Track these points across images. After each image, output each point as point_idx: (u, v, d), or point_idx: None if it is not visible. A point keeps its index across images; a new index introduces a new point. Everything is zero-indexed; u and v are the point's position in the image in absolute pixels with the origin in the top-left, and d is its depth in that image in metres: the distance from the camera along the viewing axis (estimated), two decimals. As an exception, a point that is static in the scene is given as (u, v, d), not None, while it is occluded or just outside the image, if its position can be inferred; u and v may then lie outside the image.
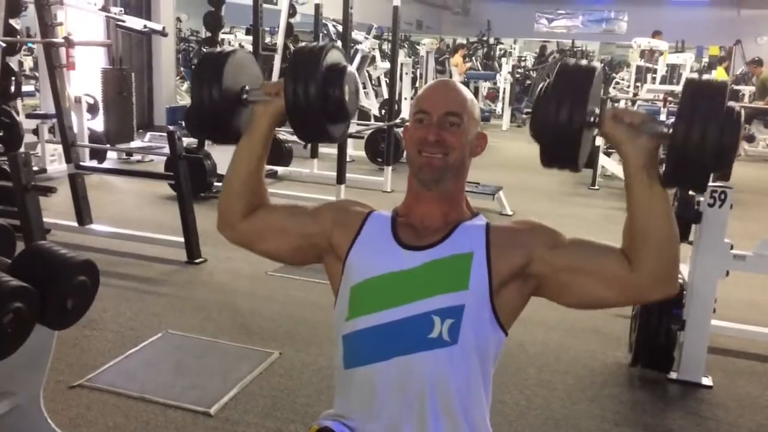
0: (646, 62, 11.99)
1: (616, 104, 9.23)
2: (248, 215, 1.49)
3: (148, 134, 9.67)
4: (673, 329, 3.22)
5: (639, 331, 3.27)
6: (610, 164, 8.33)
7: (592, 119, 1.27)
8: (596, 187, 8.16)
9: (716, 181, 3.24)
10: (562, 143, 1.27)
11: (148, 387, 3.07)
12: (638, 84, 11.24)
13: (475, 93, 13.17)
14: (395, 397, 1.33)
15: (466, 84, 13.63)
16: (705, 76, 1.30)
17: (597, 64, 1.33)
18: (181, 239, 4.76)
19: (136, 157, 8.33)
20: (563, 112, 1.23)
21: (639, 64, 12.03)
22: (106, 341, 3.54)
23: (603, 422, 2.99)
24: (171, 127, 6.61)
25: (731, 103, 1.22)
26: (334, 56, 1.45)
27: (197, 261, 4.73)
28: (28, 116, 7.20)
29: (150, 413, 2.88)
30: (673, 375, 3.33)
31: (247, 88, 1.47)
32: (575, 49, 20.32)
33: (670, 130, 1.21)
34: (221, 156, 7.77)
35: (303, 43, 1.66)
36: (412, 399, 1.32)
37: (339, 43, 5.86)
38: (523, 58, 18.40)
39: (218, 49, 1.50)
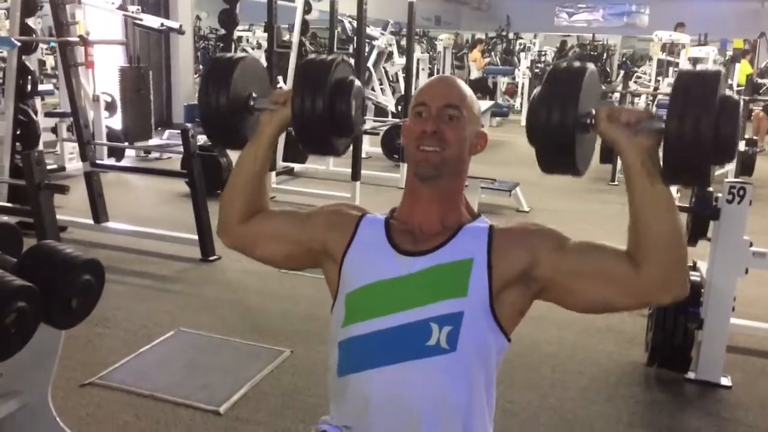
0: (667, 56, 11.81)
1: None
2: (246, 221, 1.47)
3: (167, 132, 9.71)
4: (690, 328, 3.15)
5: (655, 330, 3.20)
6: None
7: (588, 121, 1.23)
8: (615, 183, 8.05)
9: (738, 177, 3.16)
10: (557, 147, 1.23)
11: (159, 385, 3.07)
12: (659, 78, 11.07)
13: (494, 88, 13.09)
14: (389, 408, 1.27)
15: (485, 79, 13.58)
16: (699, 67, 1.24)
17: (590, 64, 1.28)
18: (196, 237, 4.77)
19: (155, 154, 8.37)
20: (554, 115, 1.20)
21: (660, 58, 11.85)
22: (119, 339, 3.55)
23: (618, 423, 2.94)
24: (187, 125, 6.62)
25: (727, 92, 1.16)
26: (343, 70, 1.46)
27: (211, 258, 4.74)
28: (47, 114, 7.27)
29: (160, 412, 2.87)
30: (690, 375, 3.26)
31: (254, 95, 1.48)
32: (596, 43, 20.12)
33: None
34: (237, 154, 7.78)
35: (312, 55, 1.65)
36: (406, 410, 1.27)
37: (352, 47, 5.84)
38: (543, 53, 18.26)
39: (228, 54, 1.51)
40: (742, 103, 1.18)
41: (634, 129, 1.20)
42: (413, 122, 1.37)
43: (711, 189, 3.19)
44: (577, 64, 1.27)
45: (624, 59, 21.17)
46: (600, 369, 3.43)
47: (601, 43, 20.65)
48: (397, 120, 7.97)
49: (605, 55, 20.67)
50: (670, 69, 11.95)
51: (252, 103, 1.47)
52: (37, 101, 7.42)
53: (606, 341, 3.76)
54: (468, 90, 1.40)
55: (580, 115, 1.21)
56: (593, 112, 1.24)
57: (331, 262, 1.41)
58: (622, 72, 16.38)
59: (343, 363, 1.35)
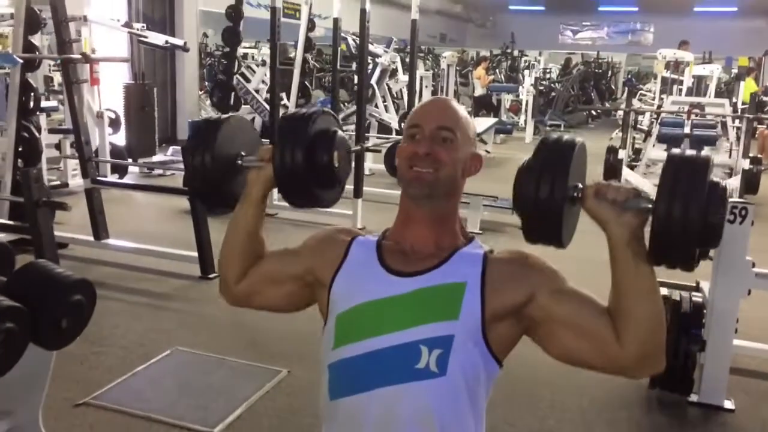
0: (671, 73, 11.81)
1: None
2: (244, 276, 1.46)
3: (171, 148, 9.73)
4: (692, 350, 3.10)
5: (657, 351, 3.15)
6: (635, 178, 8.18)
7: (575, 194, 1.22)
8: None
9: (742, 195, 3.13)
10: (545, 219, 1.22)
11: (153, 405, 3.04)
12: (663, 96, 11.06)
13: (498, 105, 13.09)
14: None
15: (489, 96, 13.59)
16: (688, 152, 1.22)
17: (579, 138, 1.28)
18: (196, 254, 4.75)
19: (158, 171, 8.38)
20: (545, 187, 1.19)
21: (665, 76, 11.85)
22: (115, 358, 3.53)
23: (618, 447, 2.89)
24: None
25: (715, 179, 1.17)
26: (324, 122, 1.46)
27: (210, 276, 4.71)
28: (51, 131, 7.28)
29: (153, 433, 2.84)
30: (693, 398, 3.21)
31: (243, 154, 1.48)
32: (600, 61, 20.15)
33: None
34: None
35: (291, 110, 1.68)
36: None
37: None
38: (548, 70, 18.27)
39: (214, 117, 1.55)
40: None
41: (621, 207, 1.19)
42: (407, 144, 1.35)
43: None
44: (567, 136, 1.27)
45: (629, 77, 21.21)
46: (601, 391, 3.37)
47: (605, 60, 20.69)
48: (399, 137, 7.97)
49: (610, 72, 20.73)
50: (674, 86, 11.96)
51: (240, 161, 1.47)
52: (43, 117, 7.46)
53: (608, 362, 3.71)
54: (462, 112, 1.39)
55: (569, 189, 1.21)
56: (580, 186, 1.23)
57: (321, 289, 1.39)
58: (626, 89, 16.42)
59: (333, 386, 1.33)
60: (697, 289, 3.43)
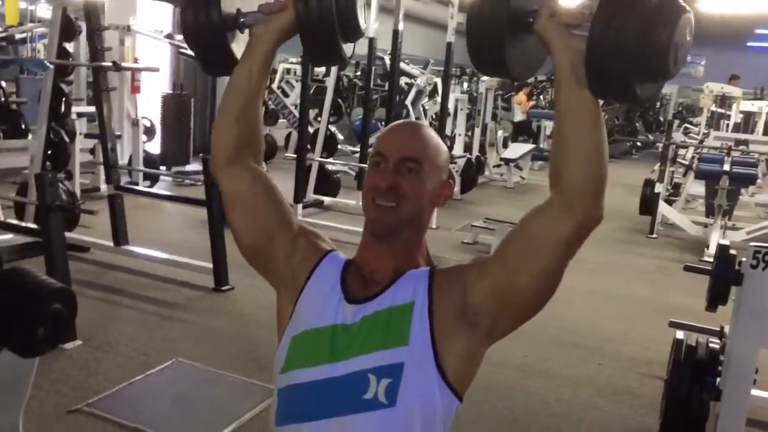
0: (719, 108, 11.51)
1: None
2: (235, 160, 1.35)
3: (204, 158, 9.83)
4: (705, 399, 2.93)
5: (668, 398, 3.00)
6: (672, 213, 7.95)
7: (531, 20, 1.15)
8: (654, 236, 7.79)
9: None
10: (485, 40, 1.15)
11: (145, 417, 3.00)
12: (707, 131, 10.77)
13: (537, 131, 12.93)
14: None
15: (529, 122, 13.43)
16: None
17: None
18: (211, 265, 4.73)
19: (190, 180, 8.45)
20: (487, 4, 1.14)
21: (713, 110, 11.56)
22: (116, 365, 3.51)
23: (619, 497, 2.74)
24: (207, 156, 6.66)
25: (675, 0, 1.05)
26: None
27: (224, 288, 4.69)
28: (87, 136, 7.42)
29: (140, 446, 2.80)
30: (705, 449, 3.03)
31: (243, 11, 1.35)
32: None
33: None
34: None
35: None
36: None
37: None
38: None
39: None
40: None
41: (571, 30, 1.13)
42: (370, 172, 1.29)
43: (734, 252, 3.01)
44: None
45: (680, 109, 20.79)
46: (608, 435, 3.23)
47: (654, 91, 20.27)
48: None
49: (659, 104, 20.33)
50: (722, 121, 11.65)
51: (242, 19, 1.34)
52: (83, 122, 7.62)
53: (621, 404, 3.55)
54: (433, 139, 1.31)
55: (520, 12, 1.14)
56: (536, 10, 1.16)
57: (290, 291, 1.32)
58: (676, 122, 16.07)
59: (279, 412, 1.27)
60: (722, 334, 3.27)
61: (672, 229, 7.97)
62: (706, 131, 10.73)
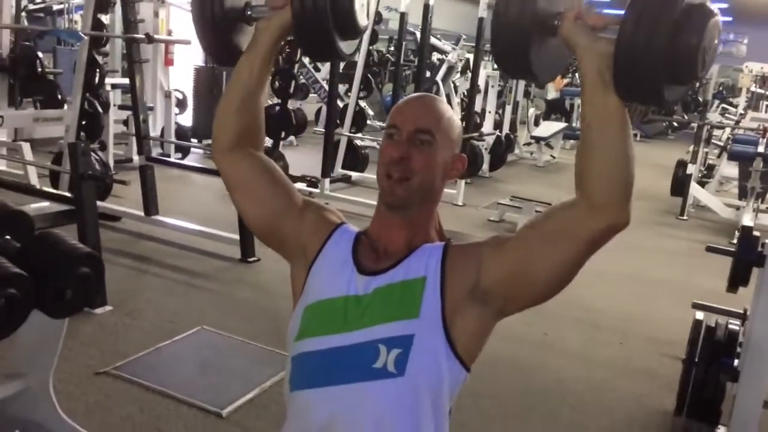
0: (759, 88, 11.24)
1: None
2: (234, 148, 1.38)
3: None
4: (722, 379, 2.93)
5: (684, 378, 3.01)
6: (703, 195, 7.84)
7: (555, 23, 1.15)
8: (685, 217, 7.69)
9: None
10: (512, 45, 1.15)
11: (169, 381, 3.10)
12: (745, 111, 10.54)
13: (570, 110, 12.77)
14: (329, 431, 1.23)
15: (562, 100, 13.27)
16: None
17: None
18: (238, 236, 4.82)
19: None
20: (513, 8, 1.13)
21: (753, 90, 11.30)
22: (143, 331, 3.62)
23: (631, 473, 2.77)
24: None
25: (697, 2, 1.05)
26: None
27: (250, 260, 4.78)
28: (121, 107, 7.54)
29: (164, 408, 2.90)
30: (721, 429, 3.03)
31: (252, 4, 1.39)
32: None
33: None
34: (294, 155, 7.89)
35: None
36: None
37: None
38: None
39: None
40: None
41: (597, 33, 1.13)
42: (384, 144, 1.32)
43: (757, 234, 2.98)
44: None
45: (720, 89, 20.32)
46: (625, 414, 3.25)
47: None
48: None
49: (698, 84, 19.87)
50: (761, 102, 11.37)
51: (249, 12, 1.38)
52: (117, 93, 7.74)
53: (638, 384, 3.56)
54: (446, 112, 1.33)
55: (546, 15, 1.14)
56: (561, 12, 1.16)
57: (302, 264, 1.36)
58: (716, 102, 15.71)
59: (292, 378, 1.32)
60: (745, 316, 3.25)
61: (704, 211, 7.87)
62: (743, 112, 10.49)
